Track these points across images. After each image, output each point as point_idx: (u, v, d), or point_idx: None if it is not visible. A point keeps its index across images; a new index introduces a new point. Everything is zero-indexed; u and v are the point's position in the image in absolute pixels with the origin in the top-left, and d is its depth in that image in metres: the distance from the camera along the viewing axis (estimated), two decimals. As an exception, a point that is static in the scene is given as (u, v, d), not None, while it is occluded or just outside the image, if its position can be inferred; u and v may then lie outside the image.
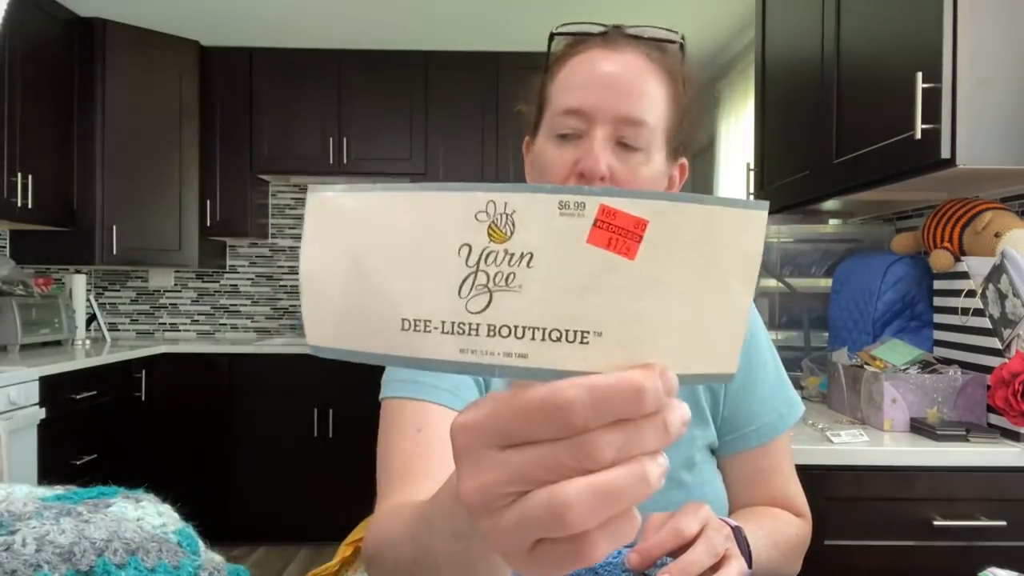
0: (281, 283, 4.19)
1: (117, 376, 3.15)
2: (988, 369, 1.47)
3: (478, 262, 0.33)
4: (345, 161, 3.82)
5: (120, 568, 0.44)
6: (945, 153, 1.38)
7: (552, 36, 0.78)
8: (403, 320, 0.35)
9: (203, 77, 3.78)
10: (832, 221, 2.39)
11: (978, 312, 1.52)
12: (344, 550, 2.09)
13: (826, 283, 2.07)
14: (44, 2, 3.26)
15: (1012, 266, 1.41)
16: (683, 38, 0.76)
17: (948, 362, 1.60)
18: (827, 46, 1.83)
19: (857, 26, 1.72)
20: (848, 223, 2.36)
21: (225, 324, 4.18)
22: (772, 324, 2.17)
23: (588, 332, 0.32)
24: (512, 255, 0.33)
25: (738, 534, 0.71)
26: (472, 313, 0.33)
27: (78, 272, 3.76)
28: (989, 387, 1.45)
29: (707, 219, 0.31)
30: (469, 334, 0.33)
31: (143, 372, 3.32)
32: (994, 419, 1.47)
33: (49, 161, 3.29)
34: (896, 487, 1.38)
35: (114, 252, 3.53)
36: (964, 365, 1.57)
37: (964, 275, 1.57)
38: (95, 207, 3.50)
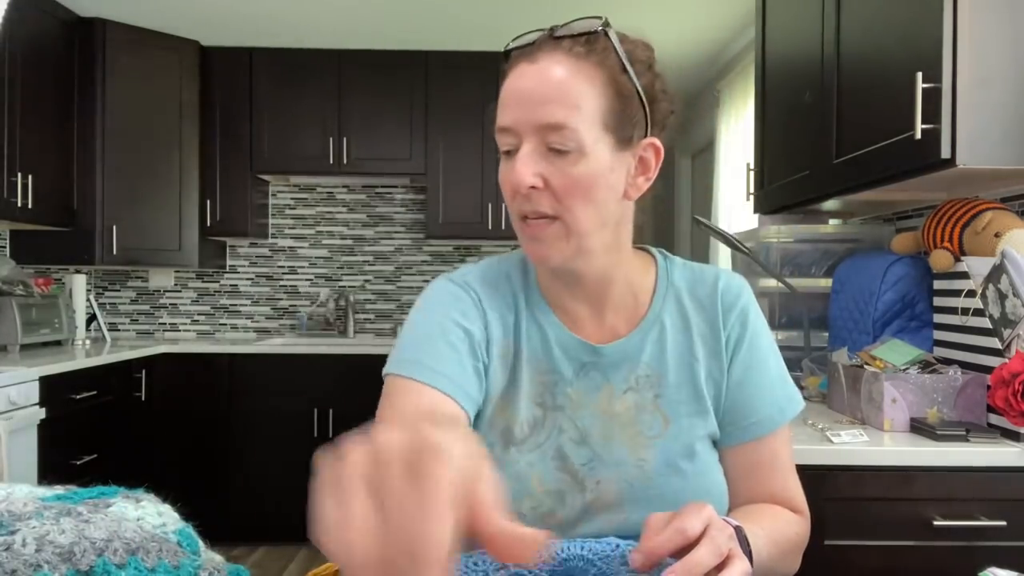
0: (281, 283, 4.19)
1: (117, 376, 3.15)
2: (988, 369, 1.47)
3: None
4: (345, 161, 3.82)
5: (120, 568, 0.43)
6: (945, 153, 1.38)
7: (504, 55, 0.82)
8: None
9: (203, 77, 3.78)
10: (832, 221, 2.39)
11: (978, 312, 1.52)
12: (344, 550, 2.08)
13: (826, 283, 2.07)
14: (44, 2, 3.26)
15: (1012, 266, 1.41)
16: (607, 23, 0.77)
17: (948, 362, 1.60)
18: (827, 46, 1.83)
19: (857, 26, 1.72)
20: (848, 223, 2.36)
21: (225, 324, 4.18)
22: (772, 324, 2.17)
23: None
24: None
25: (739, 533, 0.71)
26: None
27: (78, 272, 3.77)
28: (989, 387, 1.45)
29: None
30: None
31: (143, 372, 3.32)
32: (994, 419, 1.47)
33: (49, 161, 3.29)
34: (896, 487, 1.38)
35: (114, 252, 3.53)
36: (964, 365, 1.57)
37: (964, 275, 1.57)
38: (95, 207, 3.50)
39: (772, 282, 2.09)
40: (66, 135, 3.43)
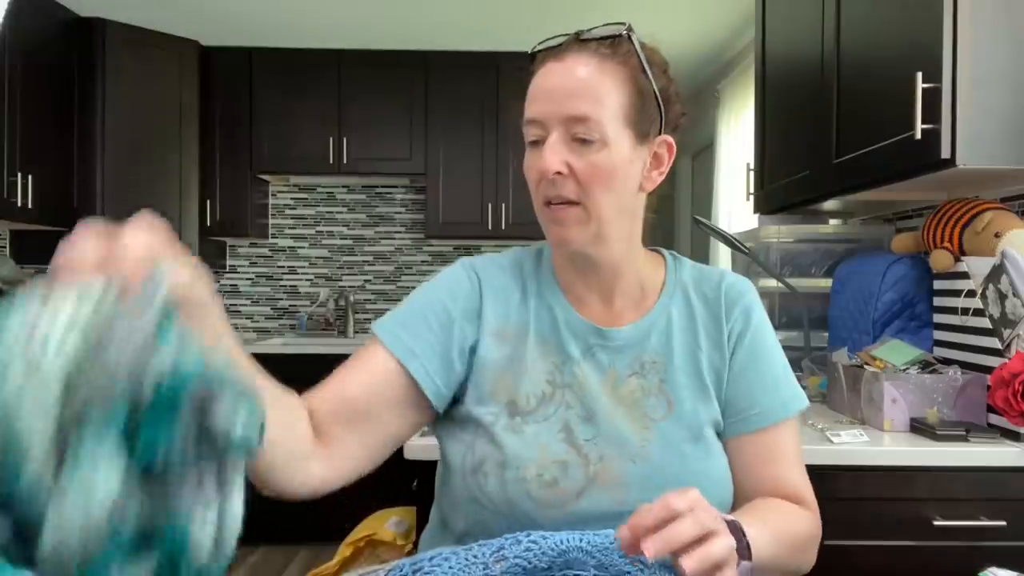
0: (281, 283, 4.19)
1: (117, 376, 3.14)
2: (988, 369, 1.47)
3: None
4: (345, 161, 3.82)
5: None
6: (945, 153, 1.38)
7: (531, 56, 0.89)
8: None
9: (203, 77, 3.78)
10: (832, 221, 2.39)
11: (978, 312, 1.52)
12: (344, 550, 2.10)
13: (826, 283, 2.07)
14: (44, 2, 3.26)
15: (1012, 266, 1.41)
16: (630, 28, 0.85)
17: (948, 362, 1.60)
18: (827, 46, 1.83)
19: (857, 26, 1.72)
20: (848, 223, 2.36)
21: (225, 324, 4.18)
22: (772, 324, 2.16)
23: None
24: None
25: (733, 526, 0.71)
26: None
27: (78, 272, 3.76)
28: (989, 387, 1.45)
29: None
30: None
31: (143, 372, 3.32)
32: (994, 419, 1.47)
33: (49, 161, 3.29)
34: (896, 487, 1.38)
35: (114, 252, 3.53)
36: (964, 365, 1.57)
37: (964, 275, 1.57)
38: (95, 207, 3.50)
39: (772, 282, 2.09)
40: (66, 135, 3.43)
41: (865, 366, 1.63)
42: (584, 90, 0.82)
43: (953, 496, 1.37)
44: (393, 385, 0.86)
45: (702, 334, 0.90)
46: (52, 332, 0.43)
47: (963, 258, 1.59)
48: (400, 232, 4.22)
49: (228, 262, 4.16)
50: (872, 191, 1.74)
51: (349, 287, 4.19)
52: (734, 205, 3.68)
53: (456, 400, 0.90)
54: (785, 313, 2.16)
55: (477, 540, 0.84)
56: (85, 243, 0.52)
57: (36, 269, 3.72)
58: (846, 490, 1.38)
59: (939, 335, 1.70)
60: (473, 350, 0.89)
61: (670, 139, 0.88)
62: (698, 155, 5.02)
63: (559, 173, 0.82)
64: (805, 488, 0.91)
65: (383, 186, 4.21)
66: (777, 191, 2.17)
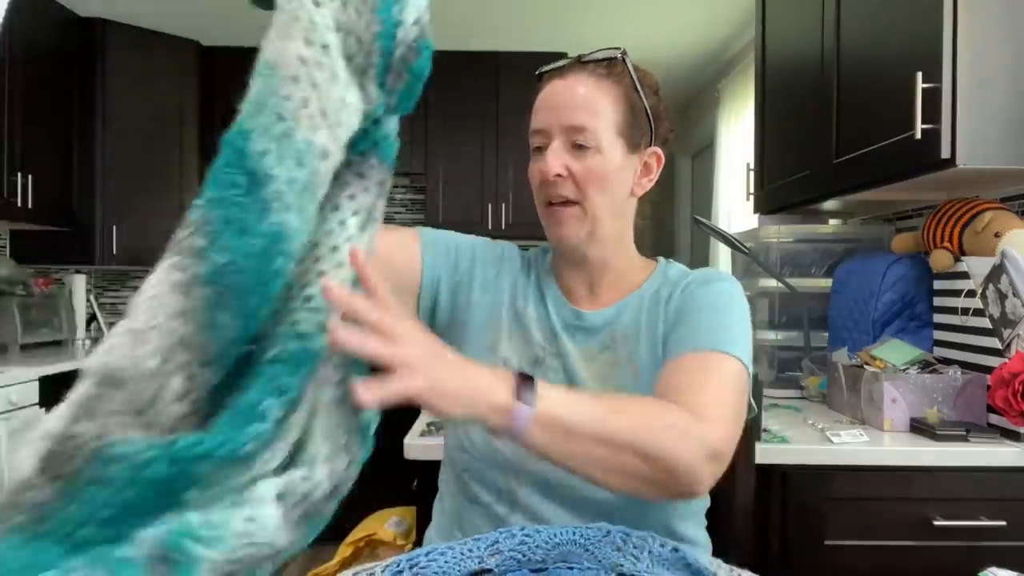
0: (281, 283, 4.19)
1: (117, 376, 3.14)
2: (988, 369, 1.47)
3: None
4: (345, 161, 3.82)
5: None
6: (945, 153, 1.38)
7: (538, 75, 1.01)
8: None
9: (203, 77, 3.78)
10: (832, 221, 2.39)
11: (978, 312, 1.52)
12: (344, 550, 2.10)
13: (826, 283, 2.07)
14: (44, 2, 3.26)
15: (1012, 266, 1.41)
16: (624, 52, 0.97)
17: (948, 362, 1.60)
18: (827, 46, 1.83)
19: (857, 26, 1.72)
20: (848, 223, 2.36)
21: (225, 324, 4.18)
22: (772, 324, 2.17)
23: None
24: None
25: (523, 377, 0.71)
26: None
27: (78, 272, 3.76)
28: (989, 387, 1.45)
29: None
30: None
31: (143, 372, 3.32)
32: (994, 419, 1.47)
33: (49, 161, 3.29)
34: (896, 487, 1.38)
35: (114, 252, 3.53)
36: (964, 365, 1.57)
37: (964, 275, 1.57)
38: (95, 207, 3.51)
39: (772, 282, 2.09)
40: (66, 135, 3.43)
41: (865, 366, 1.63)
42: (583, 104, 0.94)
43: (953, 496, 1.37)
44: (405, 245, 1.00)
45: (662, 314, 0.98)
46: None
47: (963, 258, 1.59)
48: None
49: (228, 262, 4.15)
50: (872, 191, 1.73)
51: (349, 287, 4.18)
52: (734, 205, 3.68)
53: (449, 334, 1.01)
54: (785, 313, 2.16)
55: (470, 500, 0.94)
56: None
57: (36, 269, 3.72)
58: (846, 490, 1.38)
59: (939, 335, 1.70)
60: (468, 288, 1.02)
61: (659, 151, 1.00)
62: (698, 155, 5.02)
63: (559, 175, 0.93)
64: (705, 401, 0.84)
65: (383, 186, 4.20)
66: (777, 191, 2.17)
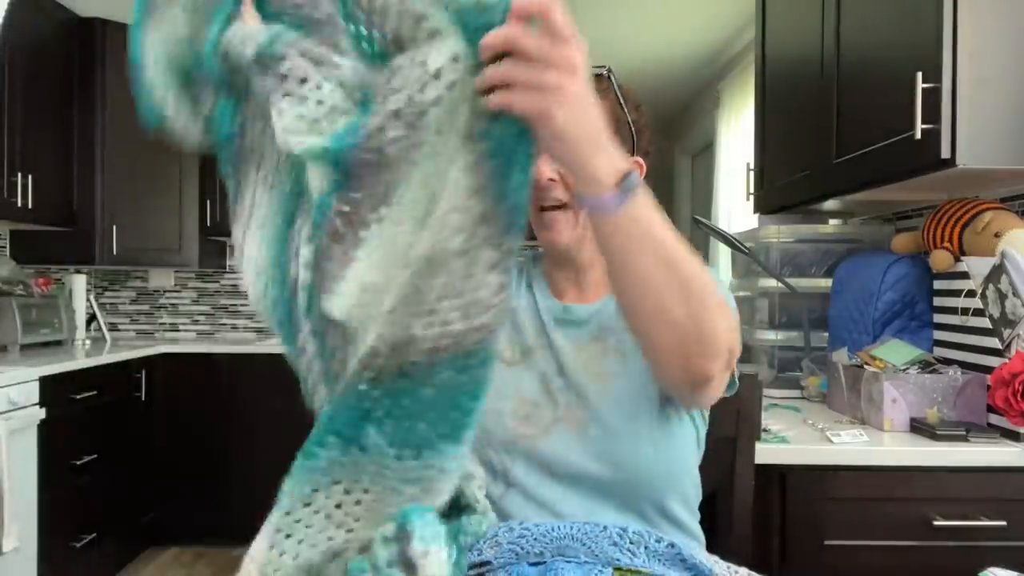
0: (281, 283, 4.19)
1: (117, 376, 3.15)
2: (988, 369, 1.47)
3: None
4: (345, 161, 3.82)
5: None
6: (945, 153, 1.38)
7: None
8: None
9: (203, 77, 3.78)
10: (832, 221, 2.39)
11: (978, 312, 1.53)
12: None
13: (826, 283, 2.07)
14: (44, 2, 3.26)
15: (1012, 266, 1.41)
16: (609, 69, 1.02)
17: (948, 362, 1.60)
18: (827, 46, 1.83)
19: (857, 26, 1.72)
20: (848, 223, 2.36)
21: (225, 324, 4.18)
22: (772, 324, 2.17)
23: None
24: None
25: (629, 174, 0.69)
26: None
27: (78, 272, 3.77)
28: (989, 387, 1.45)
29: None
30: None
31: (143, 372, 3.32)
32: (994, 419, 1.47)
33: (49, 161, 3.29)
34: (896, 487, 1.38)
35: (114, 252, 3.54)
36: (964, 365, 1.57)
37: (964, 275, 1.57)
38: (95, 207, 3.51)
39: (772, 282, 2.09)
40: (66, 135, 3.43)
41: (865, 366, 1.63)
42: None
43: (953, 496, 1.37)
44: None
45: None
46: None
47: (963, 258, 1.59)
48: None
49: (228, 262, 4.16)
50: (872, 191, 1.73)
51: (349, 287, 4.18)
52: (734, 205, 3.68)
53: None
54: (785, 313, 2.16)
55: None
56: None
57: (36, 269, 3.72)
58: (846, 490, 1.38)
59: (939, 335, 1.70)
60: None
61: (640, 160, 1.05)
62: (698, 155, 5.02)
63: (552, 180, 0.98)
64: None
65: (383, 186, 4.21)
66: (777, 191, 2.17)
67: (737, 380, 1.02)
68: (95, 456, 2.89)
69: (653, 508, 0.96)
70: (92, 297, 3.76)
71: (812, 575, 1.39)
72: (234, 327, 4.18)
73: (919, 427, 1.49)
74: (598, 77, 1.01)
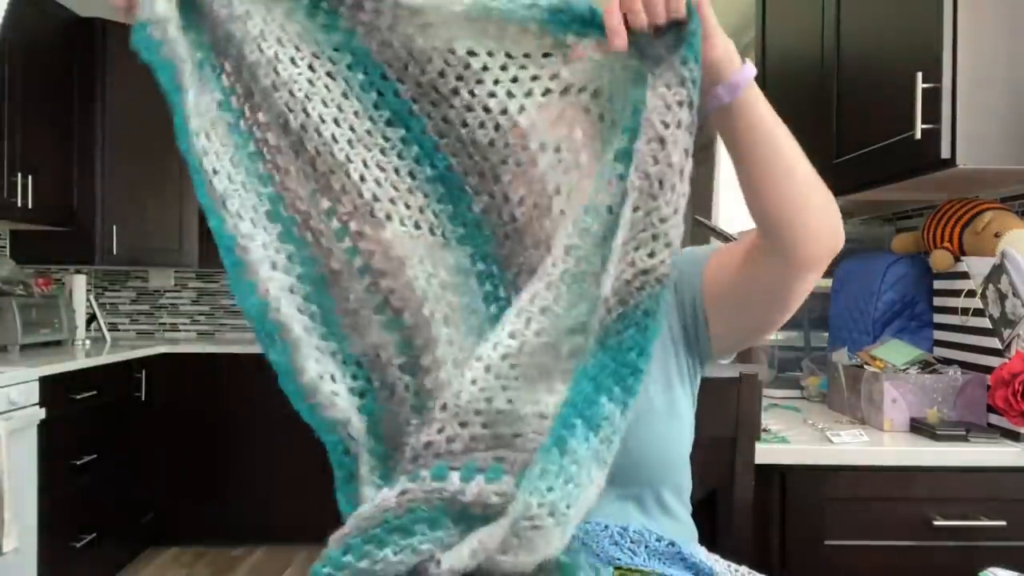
0: (281, 283, 4.19)
1: (117, 376, 3.15)
2: (988, 369, 1.47)
3: None
4: (345, 161, 3.82)
5: None
6: (945, 153, 1.38)
7: None
8: None
9: (203, 77, 3.78)
10: (832, 221, 2.38)
11: (978, 312, 1.53)
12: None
13: (826, 283, 2.07)
14: (44, 2, 3.26)
15: (1012, 266, 1.41)
16: None
17: (948, 362, 1.60)
18: (827, 46, 1.83)
19: (857, 26, 1.72)
20: (848, 223, 2.35)
21: (225, 324, 4.18)
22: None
23: None
24: None
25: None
26: None
27: (78, 272, 3.77)
28: (989, 387, 1.45)
29: None
30: None
31: (143, 372, 3.32)
32: (994, 419, 1.47)
33: (49, 161, 3.29)
34: (896, 487, 1.38)
35: (114, 252, 3.53)
36: (964, 365, 1.57)
37: (964, 275, 1.57)
38: (95, 207, 3.51)
39: (772, 282, 2.09)
40: (66, 135, 3.43)
41: (865, 366, 1.63)
42: None
43: (953, 496, 1.37)
44: None
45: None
46: None
47: (963, 258, 1.59)
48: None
49: (228, 262, 4.15)
50: (872, 191, 1.73)
51: (349, 287, 4.18)
52: (734, 205, 3.68)
53: None
54: (785, 313, 2.16)
55: None
56: None
57: (36, 269, 3.72)
58: (846, 490, 1.38)
59: (939, 335, 1.70)
60: None
61: None
62: (698, 155, 5.02)
63: None
64: None
65: (383, 186, 4.20)
66: (777, 191, 2.16)
67: None
68: (95, 456, 2.89)
69: (652, 495, 0.95)
70: (92, 297, 3.76)
71: (812, 575, 1.39)
72: (234, 327, 4.17)
73: (919, 427, 1.49)
74: None
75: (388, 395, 0.81)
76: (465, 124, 0.79)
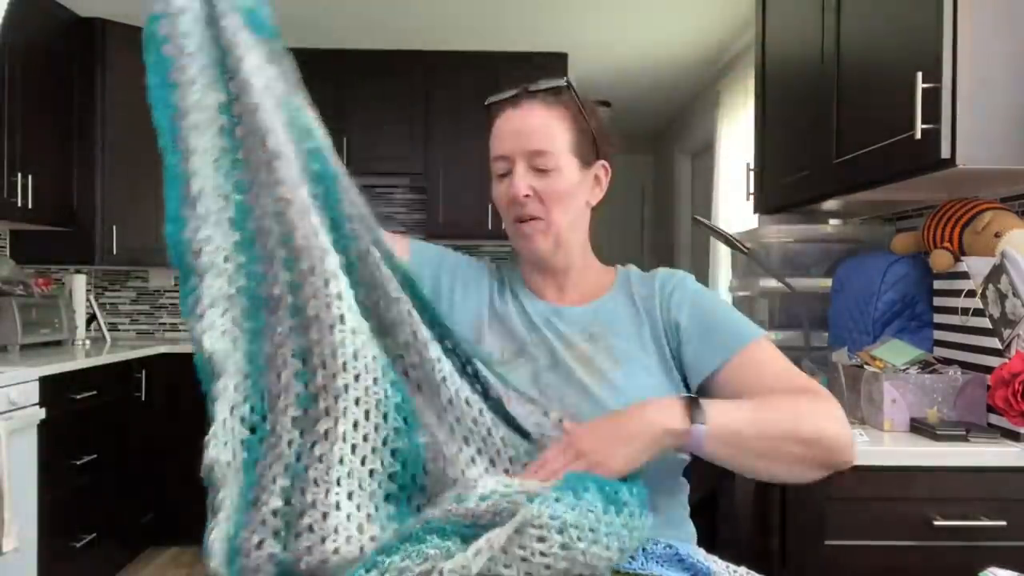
0: (281, 283, 4.19)
1: (117, 376, 3.15)
2: (988, 369, 1.47)
3: None
4: (345, 161, 3.80)
5: None
6: (945, 153, 1.38)
7: (487, 106, 1.13)
8: None
9: (203, 77, 3.77)
10: (832, 221, 2.39)
11: (978, 312, 1.53)
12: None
13: (826, 283, 2.07)
14: (44, 2, 3.26)
15: (1012, 266, 1.41)
16: (569, 81, 1.09)
17: (948, 362, 1.60)
18: (827, 46, 1.83)
19: (857, 26, 1.72)
20: (848, 223, 2.36)
21: (225, 324, 4.17)
22: (772, 324, 2.17)
23: None
24: None
25: (688, 399, 0.90)
26: None
27: (78, 272, 3.76)
28: (989, 387, 1.45)
29: None
30: None
31: (143, 372, 3.32)
32: (994, 419, 1.47)
33: (49, 161, 3.29)
34: (896, 487, 1.38)
35: (114, 252, 3.53)
36: (964, 365, 1.57)
37: (964, 275, 1.57)
38: (95, 207, 3.51)
39: (772, 282, 2.09)
40: (66, 135, 3.43)
41: (865, 366, 1.63)
42: (540, 130, 1.06)
43: (953, 496, 1.37)
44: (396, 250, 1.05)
45: (642, 312, 1.09)
46: None
47: (963, 258, 1.59)
48: (400, 232, 4.22)
49: (228, 262, 4.15)
50: (872, 191, 1.73)
51: (349, 287, 4.18)
52: (734, 205, 3.68)
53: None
54: (785, 313, 2.16)
55: None
56: None
57: (36, 269, 3.72)
58: (846, 490, 1.38)
59: (939, 335, 1.70)
60: (452, 291, 1.12)
61: (606, 163, 1.12)
62: (698, 155, 5.02)
63: (527, 195, 1.05)
64: (805, 382, 1.01)
65: (383, 186, 4.20)
66: (777, 191, 2.17)
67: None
68: (95, 456, 2.89)
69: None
70: (92, 297, 3.76)
71: (812, 575, 1.39)
72: (234, 327, 4.17)
73: (919, 427, 1.49)
74: (559, 89, 1.08)
75: (274, 442, 0.79)
76: None
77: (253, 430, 0.81)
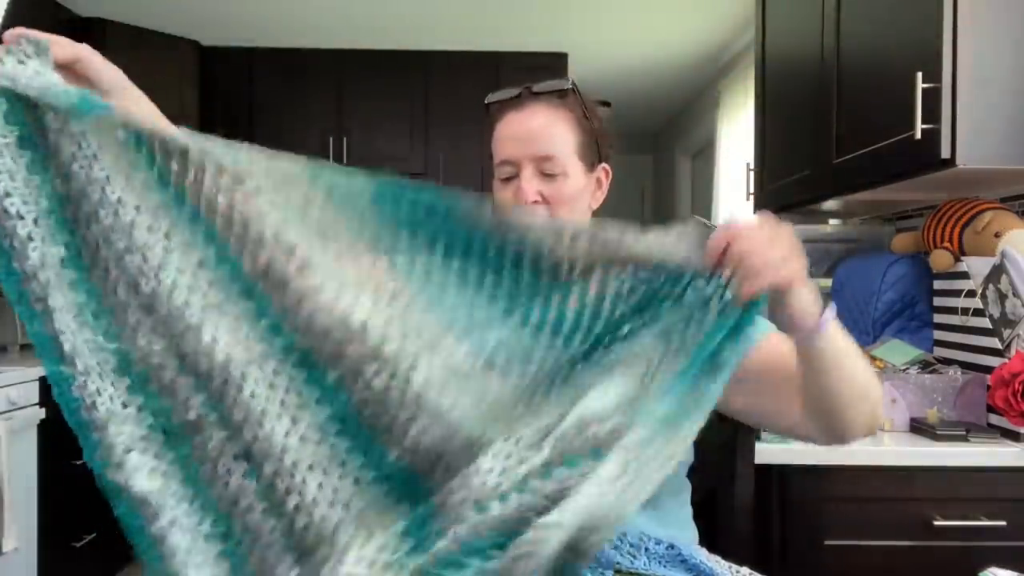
0: (281, 283, 4.19)
1: (117, 376, 3.14)
2: (988, 369, 1.47)
3: None
4: (345, 161, 3.82)
5: None
6: (945, 153, 1.38)
7: (486, 105, 1.11)
8: None
9: (203, 77, 3.78)
10: (832, 221, 2.39)
11: (978, 312, 1.53)
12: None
13: (826, 283, 2.07)
14: (44, 2, 3.26)
15: (1012, 266, 1.41)
16: (573, 83, 1.07)
17: (948, 362, 1.60)
18: (827, 46, 1.83)
19: (857, 26, 1.72)
20: (848, 223, 2.36)
21: (225, 324, 4.17)
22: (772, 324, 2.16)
23: None
24: None
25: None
26: None
27: (78, 272, 3.76)
28: (989, 387, 1.45)
29: None
30: None
31: (143, 372, 3.32)
32: (994, 419, 1.47)
33: (49, 161, 3.28)
34: (896, 487, 1.38)
35: (114, 252, 3.53)
36: (964, 365, 1.57)
37: (964, 275, 1.57)
38: (95, 207, 3.50)
39: (772, 282, 2.09)
40: (66, 135, 3.43)
41: (865, 366, 1.63)
42: (546, 134, 1.03)
43: (953, 496, 1.37)
44: None
45: None
46: None
47: (963, 258, 1.59)
48: (400, 232, 4.22)
49: (228, 262, 4.16)
50: (872, 191, 1.74)
51: (349, 287, 4.18)
52: (734, 205, 3.68)
53: None
54: (785, 313, 2.16)
55: None
56: None
57: (36, 269, 3.72)
58: (846, 490, 1.39)
59: (939, 335, 1.70)
60: None
61: (607, 166, 1.10)
62: (698, 155, 5.02)
63: (536, 201, 1.02)
64: None
65: (383, 186, 4.20)
66: (777, 191, 2.17)
67: None
68: (95, 456, 2.88)
69: (650, 500, 0.95)
70: (92, 297, 3.76)
71: (812, 575, 1.39)
72: (234, 327, 4.17)
73: (919, 427, 1.49)
74: (564, 92, 1.06)
75: (253, 539, 0.78)
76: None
77: (225, 539, 0.79)
